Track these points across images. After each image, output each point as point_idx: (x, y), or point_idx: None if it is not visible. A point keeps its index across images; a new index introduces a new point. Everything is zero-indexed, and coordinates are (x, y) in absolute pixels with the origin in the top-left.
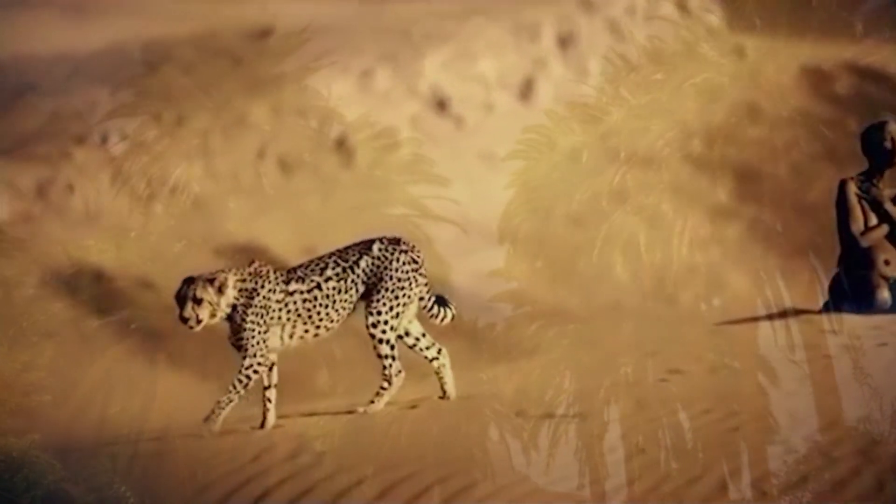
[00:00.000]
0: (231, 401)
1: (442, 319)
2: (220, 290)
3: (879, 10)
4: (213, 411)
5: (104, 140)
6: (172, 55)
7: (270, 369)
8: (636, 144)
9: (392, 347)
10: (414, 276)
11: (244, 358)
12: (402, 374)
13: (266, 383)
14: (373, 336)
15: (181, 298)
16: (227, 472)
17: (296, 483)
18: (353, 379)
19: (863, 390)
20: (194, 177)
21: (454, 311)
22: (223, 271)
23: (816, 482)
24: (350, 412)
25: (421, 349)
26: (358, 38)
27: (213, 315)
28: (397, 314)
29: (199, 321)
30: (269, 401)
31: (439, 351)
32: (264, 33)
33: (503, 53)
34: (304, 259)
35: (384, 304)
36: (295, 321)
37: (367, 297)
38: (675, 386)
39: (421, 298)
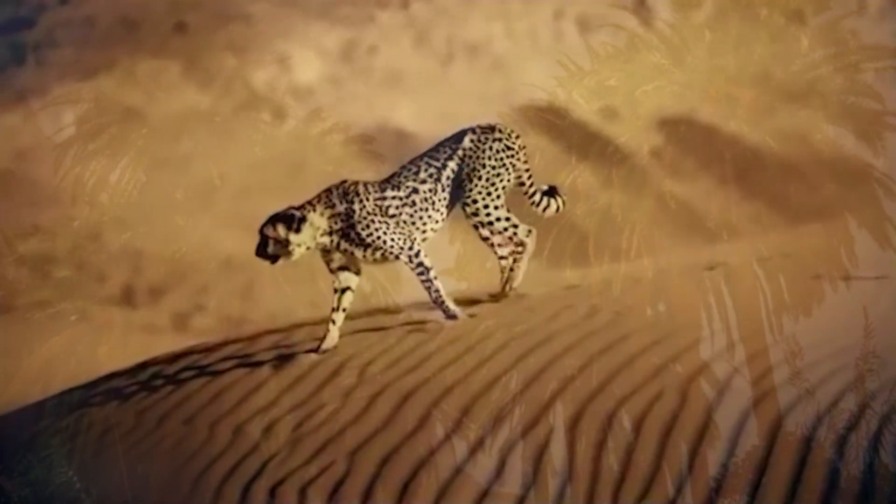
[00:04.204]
0: (437, 288)
1: (545, 209)
2: (292, 228)
3: None
4: (441, 308)
5: (406, 4)
6: None
7: (343, 293)
8: None
9: (506, 219)
10: (510, 163)
11: (399, 257)
12: (534, 231)
13: (335, 305)
14: (477, 226)
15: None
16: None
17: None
18: None
19: None
20: (493, 37)
21: (561, 203)
22: (306, 206)
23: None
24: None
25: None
26: None
27: (286, 251)
28: (495, 197)
29: (272, 257)
30: (333, 322)
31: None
32: None
33: None
34: (601, 122)
35: (479, 193)
36: (401, 227)
37: (461, 189)
38: None
39: (521, 184)
